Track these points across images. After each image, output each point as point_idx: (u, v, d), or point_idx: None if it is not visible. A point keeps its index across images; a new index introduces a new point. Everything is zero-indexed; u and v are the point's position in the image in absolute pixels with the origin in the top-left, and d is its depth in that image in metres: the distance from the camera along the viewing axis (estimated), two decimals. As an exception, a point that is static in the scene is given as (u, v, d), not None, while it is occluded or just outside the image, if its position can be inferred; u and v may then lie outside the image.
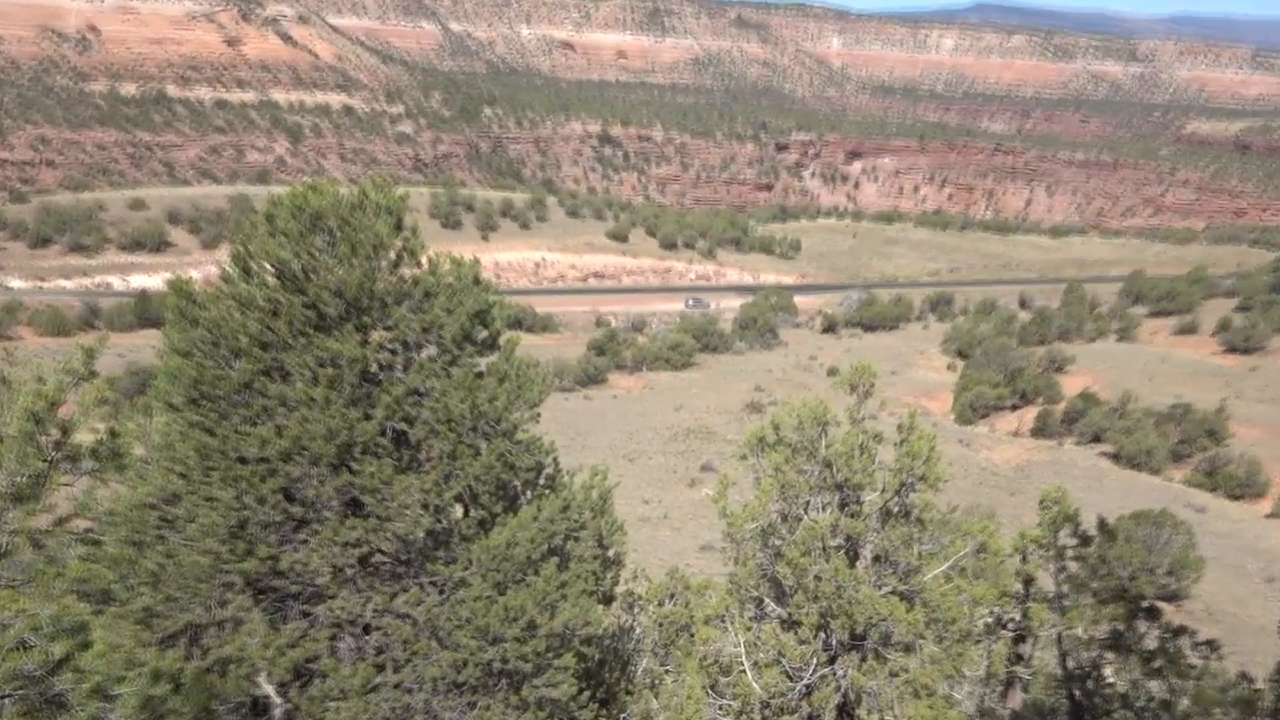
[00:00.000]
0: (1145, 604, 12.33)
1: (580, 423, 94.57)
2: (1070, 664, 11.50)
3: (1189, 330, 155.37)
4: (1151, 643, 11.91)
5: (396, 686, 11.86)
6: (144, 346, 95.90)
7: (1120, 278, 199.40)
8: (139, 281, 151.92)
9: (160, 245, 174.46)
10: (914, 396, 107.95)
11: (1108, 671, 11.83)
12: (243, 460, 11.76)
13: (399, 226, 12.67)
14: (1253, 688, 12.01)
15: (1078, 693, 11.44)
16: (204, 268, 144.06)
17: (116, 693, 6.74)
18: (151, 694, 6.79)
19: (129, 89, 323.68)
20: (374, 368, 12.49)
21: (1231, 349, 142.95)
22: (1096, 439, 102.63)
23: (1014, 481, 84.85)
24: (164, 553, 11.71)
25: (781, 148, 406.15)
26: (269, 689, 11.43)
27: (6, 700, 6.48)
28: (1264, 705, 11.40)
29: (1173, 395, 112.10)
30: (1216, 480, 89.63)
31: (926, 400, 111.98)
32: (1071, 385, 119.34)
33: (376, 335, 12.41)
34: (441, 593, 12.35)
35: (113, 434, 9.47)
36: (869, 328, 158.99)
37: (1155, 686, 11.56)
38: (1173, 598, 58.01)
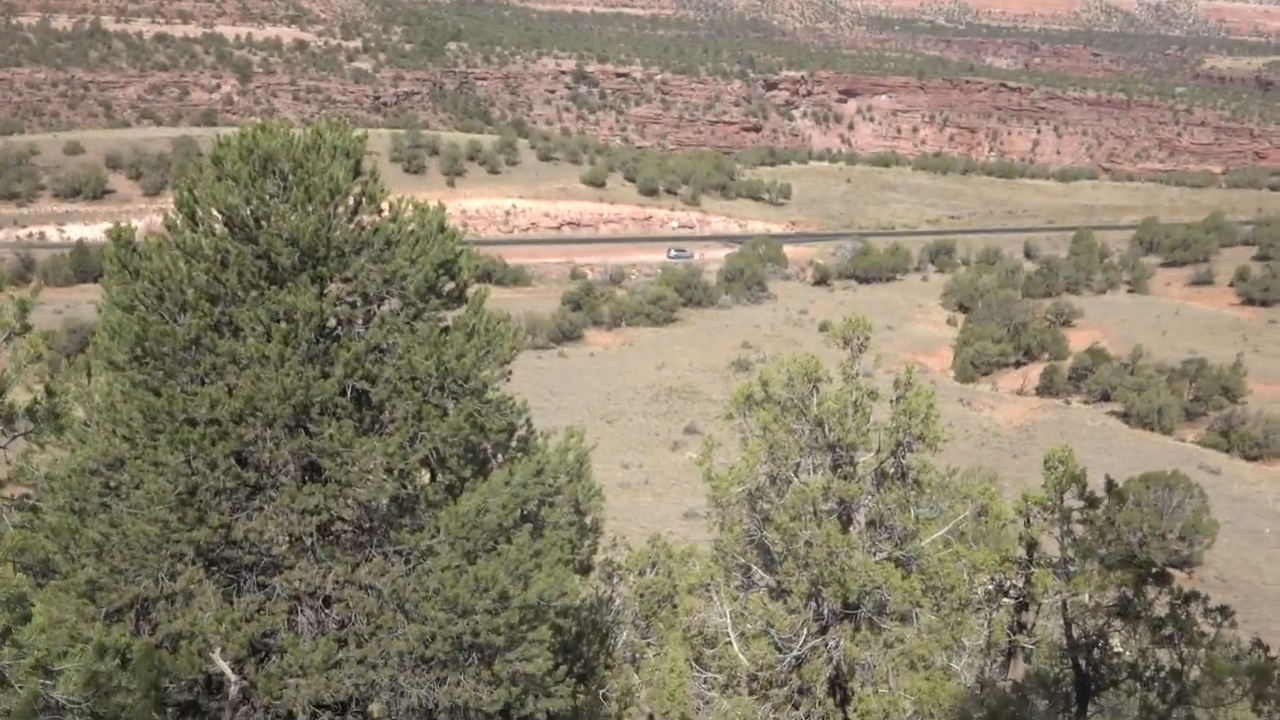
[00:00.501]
0: (1155, 570, 12.45)
1: (555, 382, 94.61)
2: (1075, 632, 11.63)
3: (1204, 281, 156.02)
4: (1161, 610, 12.03)
5: (360, 662, 11.92)
6: (83, 301, 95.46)
7: (1132, 225, 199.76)
8: (76, 232, 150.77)
9: (99, 192, 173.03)
10: (911, 352, 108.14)
11: (1115, 640, 11.96)
12: (192, 422, 11.74)
13: (357, 170, 12.62)
14: (1267, 656, 12.16)
15: (1083, 662, 11.58)
16: (147, 216, 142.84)
17: (59, 669, 6.77)
18: (97, 670, 6.82)
19: (62, 23, 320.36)
20: (332, 322, 12.47)
21: (1249, 301, 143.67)
22: (1105, 397, 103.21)
23: (1017, 442, 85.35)
24: (108, 521, 11.70)
25: (770, 86, 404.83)
26: (223, 665, 11.48)
27: (-59, 678, 6.51)
28: (1279, 674, 11.55)
29: (1186, 350, 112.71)
30: (1232, 440, 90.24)
31: (925, 356, 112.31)
32: (1079, 340, 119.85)
33: (334, 287, 12.38)
34: (408, 562, 12.40)
35: (50, 393, 9.44)
36: (864, 280, 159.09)
37: (1165, 655, 11.70)
38: (1184, 564, 58.58)
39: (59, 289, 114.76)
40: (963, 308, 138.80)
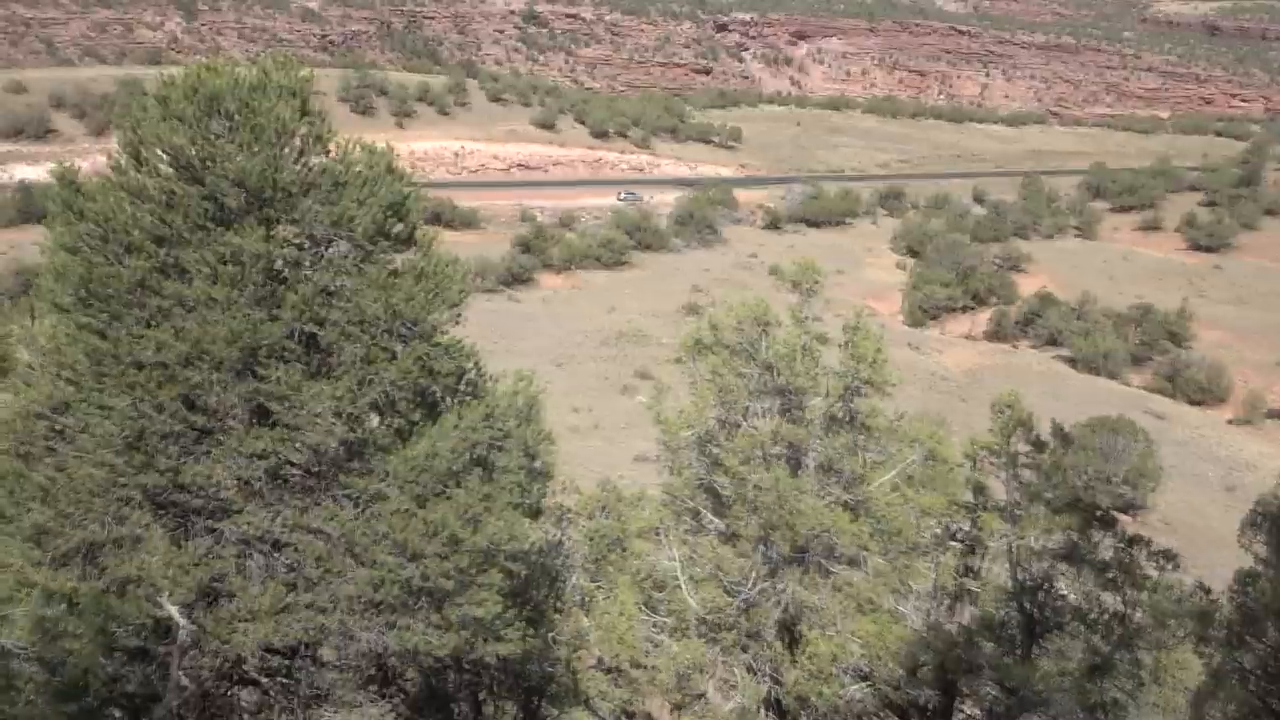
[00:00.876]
0: (1100, 514, 12.60)
1: (506, 325, 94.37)
2: (1022, 576, 11.80)
3: (1152, 226, 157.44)
4: (1106, 554, 12.20)
5: (310, 606, 11.89)
6: (27, 243, 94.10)
7: (1081, 170, 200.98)
8: (21, 172, 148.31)
9: (43, 132, 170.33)
10: (861, 297, 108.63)
11: (1061, 584, 12.12)
12: (139, 365, 11.61)
13: (304, 111, 12.44)
14: (1210, 599, 12.35)
15: (1029, 605, 11.75)
16: (92, 157, 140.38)
17: (5, 614, 6.71)
18: (44, 615, 6.78)
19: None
20: (279, 265, 12.32)
21: (1196, 246, 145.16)
22: (1053, 342, 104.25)
23: (965, 387, 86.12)
24: (54, 465, 11.59)
25: (721, 27, 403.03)
26: (172, 610, 11.42)
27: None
28: (1221, 617, 11.74)
29: (1134, 295, 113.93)
30: (1177, 385, 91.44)
31: (874, 301, 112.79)
32: (1028, 285, 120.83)
33: (282, 230, 12.23)
34: (357, 506, 12.35)
35: (-8, 336, 9.33)
36: (814, 224, 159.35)
37: (1110, 599, 11.87)
38: (1130, 508, 59.41)
39: (3, 230, 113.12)
40: (912, 252, 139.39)
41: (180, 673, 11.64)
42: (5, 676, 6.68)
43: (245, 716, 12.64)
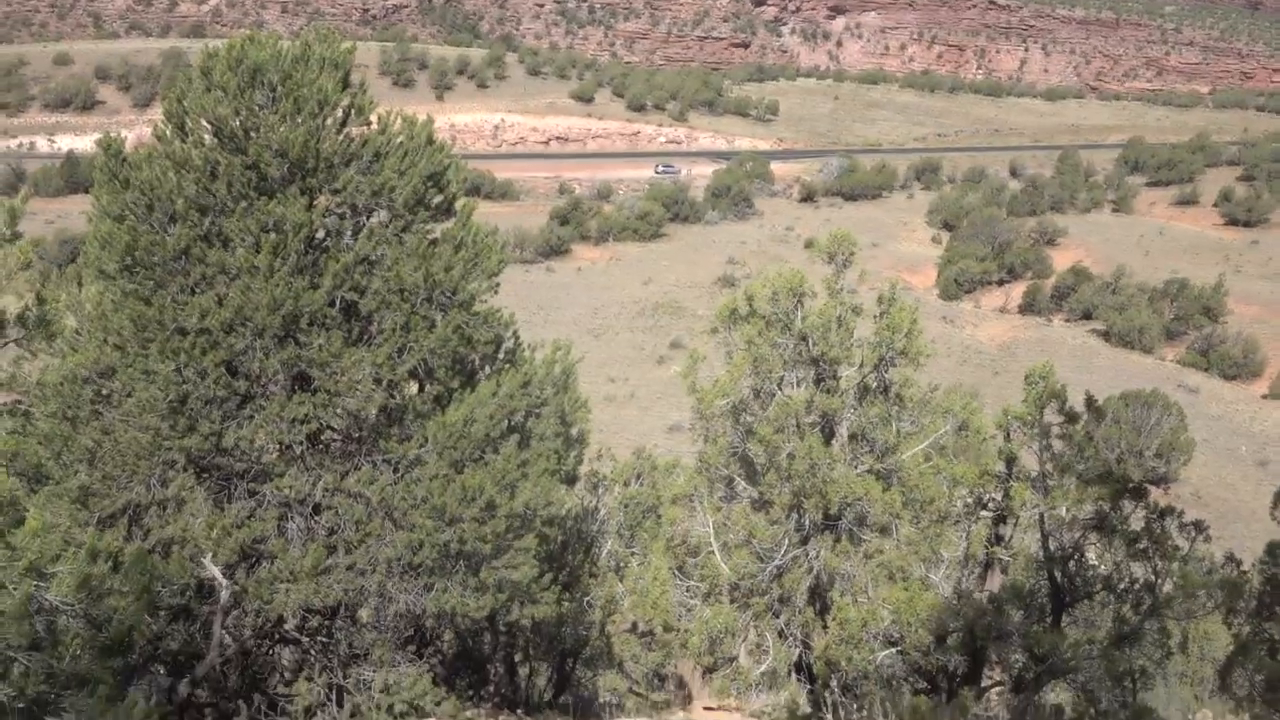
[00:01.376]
0: (1131, 485, 12.55)
1: (542, 296, 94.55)
2: (1052, 545, 11.76)
3: (1189, 201, 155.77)
4: (1137, 524, 12.15)
5: (349, 568, 12.00)
6: (74, 213, 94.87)
7: (1118, 145, 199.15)
8: (67, 143, 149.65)
9: (89, 103, 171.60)
10: (896, 270, 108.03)
11: (1090, 554, 12.09)
12: (182, 331, 11.72)
13: (345, 83, 12.51)
14: (1240, 570, 12.31)
15: (1059, 575, 11.72)
16: (136, 128, 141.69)
17: (52, 572, 6.81)
18: (89, 573, 6.87)
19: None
20: (320, 234, 12.41)
21: (1233, 221, 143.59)
22: (1087, 316, 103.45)
23: (999, 360, 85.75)
24: (100, 429, 11.73)
25: (759, 2, 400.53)
26: (214, 571, 11.56)
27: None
28: (1251, 589, 11.70)
29: (1169, 270, 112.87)
30: (1211, 360, 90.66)
31: (909, 275, 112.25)
32: (1062, 259, 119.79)
33: (323, 199, 12.31)
34: (396, 471, 12.44)
35: (40, 300, 9.41)
36: (850, 197, 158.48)
37: (1139, 569, 11.83)
38: (1161, 481, 59.10)
39: (49, 200, 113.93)
40: (947, 226, 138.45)
41: (222, 631, 11.79)
42: (52, 633, 6.78)
43: (285, 674, 12.79)
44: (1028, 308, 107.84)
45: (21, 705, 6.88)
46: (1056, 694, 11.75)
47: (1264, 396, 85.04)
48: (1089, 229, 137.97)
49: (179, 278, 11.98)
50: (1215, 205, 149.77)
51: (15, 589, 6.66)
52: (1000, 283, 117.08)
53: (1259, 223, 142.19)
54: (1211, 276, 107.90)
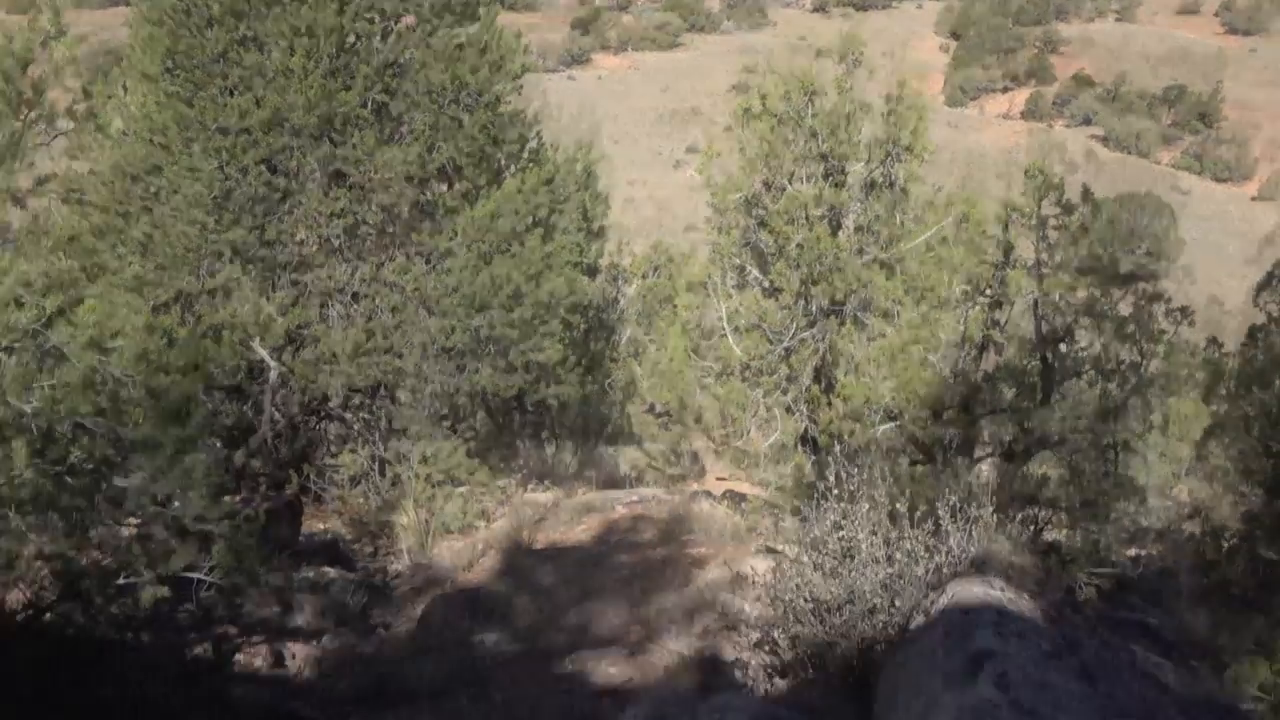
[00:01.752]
0: (1122, 274, 12.57)
1: (564, 104, 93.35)
2: (1045, 328, 11.85)
3: (1191, 10, 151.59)
4: (1125, 310, 12.20)
5: (387, 351, 12.21)
6: (116, 25, 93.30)
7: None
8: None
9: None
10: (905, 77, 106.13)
11: (1080, 336, 12.16)
12: (223, 131, 11.73)
13: (374, -113, 12.23)
14: (1221, 352, 12.40)
15: (1050, 355, 11.84)
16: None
17: (112, 346, 6.97)
18: (147, 346, 7.02)
19: None
20: (351, 38, 12.29)
21: (1233, 30, 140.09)
22: (1087, 122, 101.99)
23: (1001, 164, 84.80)
24: (151, 223, 11.83)
25: None
26: (263, 353, 11.77)
27: (6, 354, 6.71)
28: (1231, 369, 11.81)
29: (1168, 78, 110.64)
30: (1204, 164, 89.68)
31: (917, 82, 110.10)
32: (1066, 68, 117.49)
33: (353, 4, 12.15)
34: (428, 263, 12.55)
35: (86, 93, 9.39)
36: (861, 7, 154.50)
37: (1126, 350, 11.92)
38: (1150, 277, 58.88)
39: (93, 11, 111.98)
40: (955, 36, 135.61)
41: (272, 408, 12.06)
42: (115, 402, 6.98)
43: (331, 447, 13.13)
44: (1030, 114, 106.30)
45: (90, 467, 7.12)
46: (1043, 467, 11.98)
47: (1253, 199, 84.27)
48: (1092, 37, 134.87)
49: (218, 80, 11.93)
50: (1216, 14, 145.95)
51: (79, 362, 6.82)
52: (1004, 90, 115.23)
53: (1259, 31, 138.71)
54: (1210, 84, 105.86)
